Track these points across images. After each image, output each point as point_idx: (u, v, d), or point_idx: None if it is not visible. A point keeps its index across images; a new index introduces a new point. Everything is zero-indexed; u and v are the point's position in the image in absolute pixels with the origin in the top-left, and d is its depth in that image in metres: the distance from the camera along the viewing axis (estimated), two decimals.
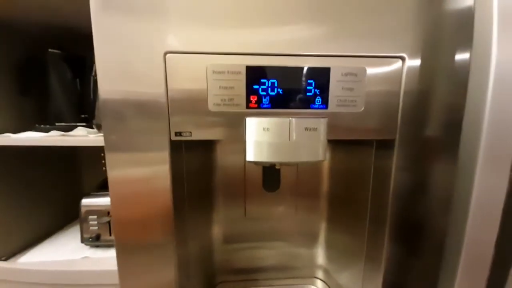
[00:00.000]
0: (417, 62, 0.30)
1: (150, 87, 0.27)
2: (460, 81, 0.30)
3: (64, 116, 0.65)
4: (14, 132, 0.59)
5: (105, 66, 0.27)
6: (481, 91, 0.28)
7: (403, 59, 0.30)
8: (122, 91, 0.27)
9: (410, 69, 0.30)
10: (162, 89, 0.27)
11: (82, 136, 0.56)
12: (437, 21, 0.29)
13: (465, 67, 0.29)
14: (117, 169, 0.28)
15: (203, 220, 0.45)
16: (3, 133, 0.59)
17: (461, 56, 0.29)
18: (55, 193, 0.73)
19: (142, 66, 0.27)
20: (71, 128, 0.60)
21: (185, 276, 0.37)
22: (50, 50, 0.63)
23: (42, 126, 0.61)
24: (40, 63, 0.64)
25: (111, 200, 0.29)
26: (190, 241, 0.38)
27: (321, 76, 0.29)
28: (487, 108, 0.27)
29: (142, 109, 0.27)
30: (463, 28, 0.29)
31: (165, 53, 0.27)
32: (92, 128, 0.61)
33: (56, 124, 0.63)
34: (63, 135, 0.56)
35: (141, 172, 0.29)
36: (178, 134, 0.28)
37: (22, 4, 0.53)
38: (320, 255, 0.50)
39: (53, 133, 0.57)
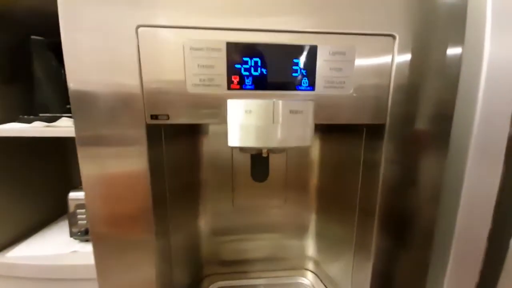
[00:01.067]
0: (408, 42, 0.28)
1: (121, 68, 0.25)
2: (451, 75, 0.29)
3: (49, 106, 0.63)
4: None
5: (73, 52, 0.25)
6: (473, 85, 0.27)
7: (394, 37, 0.28)
8: (92, 78, 0.25)
9: (401, 48, 0.28)
10: (135, 69, 0.25)
11: (66, 127, 0.54)
12: (430, 11, 0.28)
13: (457, 62, 0.28)
14: (91, 162, 0.27)
15: (188, 212, 0.43)
16: None
17: (454, 51, 0.28)
18: (44, 186, 0.71)
19: (113, 44, 0.25)
20: (55, 119, 0.58)
21: (168, 270, 0.36)
22: (32, 37, 0.61)
23: (25, 117, 0.59)
24: (24, 51, 0.62)
25: (85, 195, 0.28)
26: (173, 234, 0.37)
27: (307, 55, 0.27)
28: (479, 102, 0.27)
29: (115, 94, 0.25)
30: (456, 23, 0.28)
31: (137, 27, 0.24)
32: None
33: (40, 115, 0.61)
34: (46, 126, 0.54)
35: (117, 164, 0.27)
36: (154, 117, 0.26)
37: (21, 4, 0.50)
38: (310, 247, 0.49)
39: (36, 124, 0.55)
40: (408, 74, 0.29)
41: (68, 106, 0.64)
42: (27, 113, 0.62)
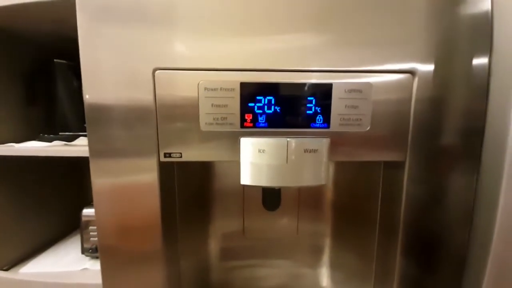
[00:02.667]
0: (429, 73, 0.27)
1: (139, 100, 0.26)
2: (478, 88, 0.27)
3: (69, 125, 0.65)
4: (20, 141, 0.60)
5: (93, 72, 0.26)
6: (506, 96, 0.26)
7: (413, 73, 0.27)
8: (110, 100, 0.26)
9: (421, 82, 0.27)
10: (151, 105, 0.26)
11: (83, 146, 0.55)
12: (449, 29, 0.27)
13: (483, 73, 0.27)
14: (103, 178, 0.27)
15: (198, 236, 0.43)
16: (9, 141, 0.60)
17: (478, 62, 0.27)
18: (58, 202, 0.73)
19: (130, 79, 0.26)
20: (74, 138, 0.60)
21: None
22: (56, 60, 0.64)
23: (46, 135, 0.62)
24: (47, 73, 0.65)
25: (95, 211, 0.28)
26: (183, 258, 0.36)
27: (322, 93, 0.26)
28: None
29: (130, 120, 0.26)
30: (480, 34, 0.27)
31: (154, 70, 0.25)
32: None
33: (60, 133, 0.63)
34: (65, 145, 0.56)
35: (127, 183, 0.27)
36: (167, 155, 0.26)
37: (32, 15, 0.54)
38: (324, 277, 0.47)
39: (56, 143, 0.57)
40: (428, 106, 0.28)
41: (85, 125, 0.66)
42: (48, 132, 0.64)
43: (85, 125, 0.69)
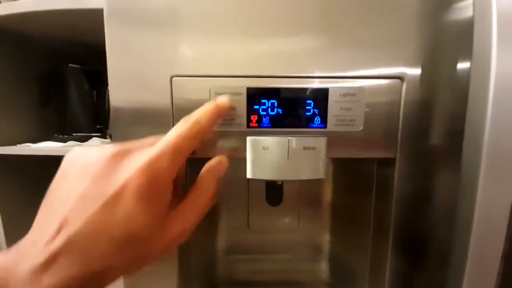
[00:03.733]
0: (416, 77, 0.30)
1: (157, 103, 0.29)
2: (461, 91, 0.29)
3: (81, 126, 0.69)
4: (34, 140, 0.63)
5: (117, 76, 0.29)
6: (482, 99, 0.27)
7: (401, 78, 0.30)
8: (132, 102, 0.29)
9: (409, 86, 0.30)
10: (168, 107, 0.29)
11: (97, 146, 0.59)
12: (436, 35, 0.30)
13: (466, 78, 0.29)
14: None
15: (206, 231, 0.46)
16: (24, 141, 0.63)
17: (461, 66, 0.29)
18: None
19: (150, 84, 0.29)
20: (86, 138, 0.63)
21: (187, 286, 0.38)
22: (70, 64, 0.67)
23: (60, 136, 0.65)
24: (61, 76, 0.69)
25: None
26: (192, 252, 0.39)
27: (319, 97, 0.29)
28: (488, 116, 0.27)
29: (149, 120, 0.29)
30: (463, 39, 0.29)
31: (172, 77, 0.28)
32: (106, 138, 0.64)
33: (73, 134, 0.67)
34: (79, 145, 0.59)
35: None
36: None
37: (45, 22, 0.57)
38: (324, 270, 0.50)
39: (70, 143, 0.60)
40: (416, 108, 0.30)
41: (98, 126, 0.69)
42: (60, 132, 0.68)
43: (97, 126, 0.72)
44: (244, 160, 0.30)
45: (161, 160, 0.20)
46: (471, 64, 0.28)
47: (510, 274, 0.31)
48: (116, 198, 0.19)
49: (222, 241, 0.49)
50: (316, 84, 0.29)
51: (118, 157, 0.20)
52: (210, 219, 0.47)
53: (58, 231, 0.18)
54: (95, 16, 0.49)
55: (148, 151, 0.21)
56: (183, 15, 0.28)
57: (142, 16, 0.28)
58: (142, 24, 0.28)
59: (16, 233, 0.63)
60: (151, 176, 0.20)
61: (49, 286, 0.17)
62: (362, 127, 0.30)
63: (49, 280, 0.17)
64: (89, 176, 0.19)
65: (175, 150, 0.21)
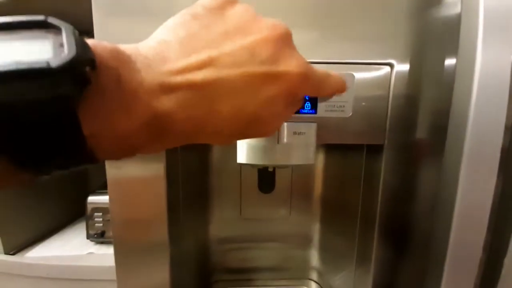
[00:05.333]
0: (405, 67, 0.31)
1: None
2: (447, 86, 0.30)
3: None
4: None
5: None
6: (466, 95, 0.28)
7: (391, 65, 0.31)
8: None
9: (398, 75, 0.31)
10: None
11: None
12: (425, 29, 0.30)
13: (452, 73, 0.30)
14: (116, 168, 0.30)
15: (198, 219, 0.46)
16: None
17: (448, 62, 0.30)
18: (63, 190, 0.76)
19: None
20: None
21: (180, 274, 0.39)
22: None
23: None
24: None
25: (110, 199, 0.31)
26: (185, 240, 0.39)
27: None
28: (471, 112, 0.27)
29: None
30: (451, 35, 0.29)
31: None
32: None
33: None
34: None
35: (137, 171, 0.30)
36: None
37: (32, 8, 0.56)
38: (314, 257, 0.51)
39: None
40: (405, 97, 0.31)
41: None
42: None
43: None
44: (235, 147, 0.30)
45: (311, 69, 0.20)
46: (456, 61, 0.29)
47: (494, 265, 0.33)
48: (274, 79, 0.18)
49: (214, 229, 0.49)
50: None
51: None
52: (203, 209, 0.47)
53: (203, 66, 0.16)
54: (83, 4, 0.48)
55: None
56: (179, 2, 0.28)
57: (134, 3, 0.28)
58: (134, 13, 0.28)
59: None
60: (306, 76, 0.19)
61: (163, 107, 0.16)
62: (351, 113, 0.31)
63: (168, 103, 0.16)
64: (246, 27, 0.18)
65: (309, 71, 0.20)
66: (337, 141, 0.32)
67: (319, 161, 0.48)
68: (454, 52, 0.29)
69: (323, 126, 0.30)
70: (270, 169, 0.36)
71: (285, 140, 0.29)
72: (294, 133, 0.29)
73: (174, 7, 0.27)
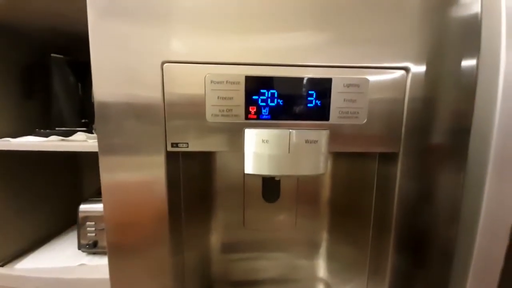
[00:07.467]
0: (421, 71, 0.29)
1: (147, 94, 0.27)
2: (467, 88, 0.29)
3: (65, 120, 0.65)
4: (16, 135, 0.59)
5: (102, 69, 0.26)
6: (490, 97, 0.27)
7: (407, 69, 0.29)
8: (118, 96, 0.27)
9: (414, 79, 0.29)
10: (159, 98, 0.27)
11: (81, 141, 0.55)
12: (442, 30, 0.29)
13: (472, 74, 0.28)
14: (111, 173, 0.28)
15: (200, 228, 0.44)
16: (4, 136, 0.59)
17: (468, 63, 0.28)
18: (54, 198, 0.73)
19: (139, 74, 0.26)
20: (71, 133, 0.60)
21: (180, 285, 0.36)
22: (52, 55, 0.63)
23: (42, 130, 0.61)
24: (43, 68, 0.64)
25: (104, 205, 0.29)
26: (186, 249, 0.37)
27: (322, 87, 0.28)
28: (497, 114, 0.27)
29: (138, 114, 0.27)
30: (469, 35, 0.28)
31: (163, 63, 0.26)
32: (92, 133, 0.61)
33: (57, 128, 0.63)
34: (62, 140, 0.56)
35: (135, 177, 0.28)
36: (174, 145, 0.27)
37: (28, 9, 0.53)
38: (321, 268, 0.49)
39: (53, 138, 0.57)
40: (421, 102, 0.29)
41: (83, 121, 0.66)
42: (44, 127, 0.64)
43: (82, 120, 0.69)
44: (239, 154, 0.28)
45: None
46: (478, 61, 0.28)
47: (510, 272, 0.31)
48: None
49: (217, 239, 0.47)
50: (319, 73, 0.28)
51: None
52: (206, 217, 0.45)
53: None
54: (78, 3, 0.46)
55: None
56: (174, 2, 0.26)
57: (128, 3, 0.26)
58: (129, 9, 0.26)
59: None
60: None
61: None
62: (366, 120, 0.29)
63: None
64: None
65: None
66: (351, 150, 0.30)
67: (328, 167, 0.45)
68: (474, 52, 0.28)
69: (336, 134, 0.29)
70: (277, 178, 0.34)
71: (295, 149, 0.27)
72: (306, 141, 0.27)
73: (169, 6, 0.25)
